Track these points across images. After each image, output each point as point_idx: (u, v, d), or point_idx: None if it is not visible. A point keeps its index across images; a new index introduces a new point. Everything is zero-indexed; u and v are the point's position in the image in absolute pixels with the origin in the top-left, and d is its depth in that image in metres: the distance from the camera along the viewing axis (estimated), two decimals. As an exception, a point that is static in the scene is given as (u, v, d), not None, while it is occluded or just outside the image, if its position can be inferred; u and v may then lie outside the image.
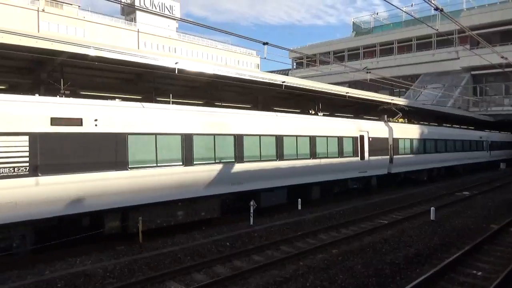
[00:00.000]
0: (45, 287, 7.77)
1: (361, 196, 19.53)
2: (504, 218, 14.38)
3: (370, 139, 19.62)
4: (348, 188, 19.19)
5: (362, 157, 19.20)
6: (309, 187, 16.64)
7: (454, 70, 47.11)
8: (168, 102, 15.57)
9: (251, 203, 13.44)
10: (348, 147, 18.34)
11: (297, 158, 15.66)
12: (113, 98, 12.64)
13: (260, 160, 14.18)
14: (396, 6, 10.98)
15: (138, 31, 66.43)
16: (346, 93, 21.19)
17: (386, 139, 21.15)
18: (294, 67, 64.56)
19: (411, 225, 13.36)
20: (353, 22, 65.23)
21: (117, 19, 67.35)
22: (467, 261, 9.56)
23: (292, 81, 18.64)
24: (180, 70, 13.91)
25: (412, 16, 24.89)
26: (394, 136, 21.74)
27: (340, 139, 17.92)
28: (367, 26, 63.03)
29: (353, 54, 58.84)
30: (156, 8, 68.90)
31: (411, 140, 23.56)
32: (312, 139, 16.44)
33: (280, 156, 14.92)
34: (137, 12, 67.26)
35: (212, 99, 18.91)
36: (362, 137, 19.26)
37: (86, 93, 14.85)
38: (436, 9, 10.03)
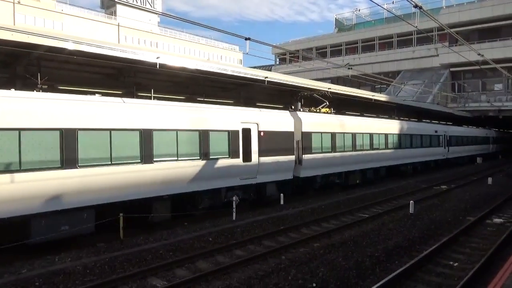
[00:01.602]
0: (22, 285, 7.61)
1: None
2: (480, 210, 14.85)
3: (262, 133, 15.03)
4: (224, 202, 14.10)
5: (247, 158, 14.50)
6: (145, 204, 11.57)
7: (434, 66, 48.09)
8: (149, 98, 15.42)
9: (234, 198, 13.46)
10: (219, 145, 13.54)
11: (111, 163, 10.54)
12: (93, 93, 12.40)
13: (20, 170, 8.97)
14: (376, 3, 11.06)
15: (118, 25, 65.24)
16: (328, 89, 21.36)
17: (291, 133, 16.51)
18: (277, 62, 64.69)
19: (391, 219, 13.63)
20: (336, 19, 65.75)
21: (96, 12, 66.00)
22: (444, 253, 9.83)
23: (274, 76, 18.69)
24: (161, 65, 13.77)
25: (392, 13, 24.98)
26: (305, 130, 17.14)
27: (203, 134, 12.97)
28: (349, 23, 63.58)
29: (336, 50, 59.36)
30: (137, 2, 67.77)
31: (333, 134, 18.91)
32: (146, 135, 11.35)
33: (70, 162, 9.74)
34: (117, 6, 65.98)
35: (195, 94, 18.79)
36: (247, 131, 14.57)
37: (64, 88, 14.53)
38: (416, 6, 10.20)
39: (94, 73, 15.10)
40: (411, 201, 14.83)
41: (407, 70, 51.21)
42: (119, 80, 15.47)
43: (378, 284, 7.25)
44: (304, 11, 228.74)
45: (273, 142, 15.49)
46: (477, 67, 30.78)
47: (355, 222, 13.08)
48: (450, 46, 39.36)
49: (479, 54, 18.17)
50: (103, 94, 12.21)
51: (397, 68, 52.28)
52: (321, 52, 60.32)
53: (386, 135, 23.52)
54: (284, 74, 29.07)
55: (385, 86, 48.26)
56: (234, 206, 13.34)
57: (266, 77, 17.62)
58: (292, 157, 16.61)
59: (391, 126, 24.72)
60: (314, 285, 7.69)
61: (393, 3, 51.05)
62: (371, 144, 22.02)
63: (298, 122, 17.08)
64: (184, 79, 16.71)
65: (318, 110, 19.65)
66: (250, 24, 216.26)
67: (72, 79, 14.82)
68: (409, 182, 23.44)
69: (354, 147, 20.50)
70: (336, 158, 19.16)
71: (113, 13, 66.87)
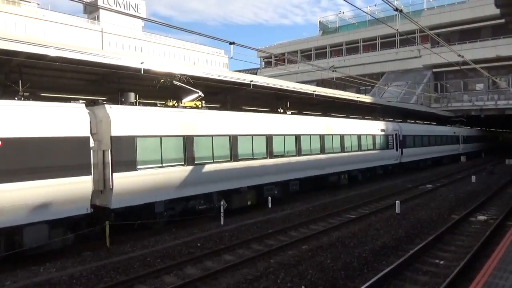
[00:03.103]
0: (6, 298, 7.45)
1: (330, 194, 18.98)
2: (465, 208, 15.12)
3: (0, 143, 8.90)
4: None
5: None
6: None
7: (417, 68, 48.92)
8: (134, 104, 15.27)
9: (222, 203, 13.42)
10: None
11: None
12: (77, 100, 12.25)
13: None
14: (357, 7, 11.25)
15: (102, 31, 64.64)
16: (314, 91, 21.52)
17: (82, 140, 10.36)
18: (263, 66, 64.96)
19: (378, 219, 13.77)
20: (320, 22, 66.39)
21: (79, 18, 65.31)
22: (430, 251, 9.98)
23: (260, 80, 18.73)
24: (146, 70, 13.67)
25: (373, 16, 25.11)
26: (118, 133, 11.15)
27: None
28: (334, 26, 64.32)
29: (321, 53, 59.91)
30: (120, 7, 67.35)
31: (188, 138, 13.01)
32: None
33: None
34: (100, 11, 65.41)
35: (181, 99, 18.68)
36: None
37: (47, 95, 14.31)
38: (396, 10, 10.38)
39: (77, 80, 14.88)
40: (397, 201, 15.01)
41: (391, 72, 52.00)
42: (103, 86, 15.30)
43: (366, 285, 7.31)
44: (288, 14, 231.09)
45: (33, 156, 9.40)
46: (459, 67, 31.41)
47: (343, 223, 13.17)
48: (432, 48, 40.12)
49: (459, 55, 18.54)
50: (86, 101, 12.07)
51: (381, 69, 53.04)
52: (306, 55, 60.82)
53: (297, 136, 17.80)
54: (270, 77, 29.21)
55: (369, 87, 48.87)
56: (222, 210, 13.30)
57: (252, 81, 17.65)
58: (87, 179, 10.30)
59: (308, 125, 18.74)
60: (303, 287, 7.71)
61: (375, 5, 51.93)
62: (269, 150, 16.27)
63: (104, 121, 11.14)
64: (170, 84, 16.60)
65: (175, 104, 14.46)
66: (235, 27, 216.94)
67: (55, 86, 14.60)
68: (396, 183, 23.72)
69: (234, 156, 14.63)
70: (197, 174, 13.25)
71: (96, 18, 66.29)
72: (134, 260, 9.51)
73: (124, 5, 69.48)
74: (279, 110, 21.08)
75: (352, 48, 56.67)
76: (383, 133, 25.49)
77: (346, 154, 21.24)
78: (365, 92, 47.37)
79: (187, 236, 11.73)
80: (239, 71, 44.00)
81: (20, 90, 11.16)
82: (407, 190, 20.79)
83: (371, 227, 12.51)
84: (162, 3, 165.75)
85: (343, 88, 41.54)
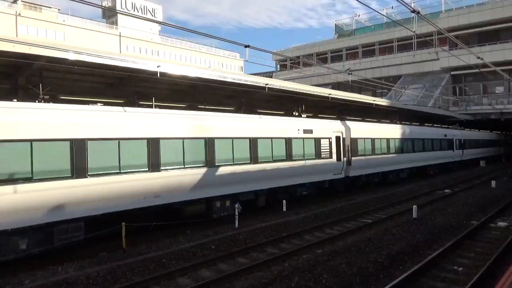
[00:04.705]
0: (25, 296, 7.60)
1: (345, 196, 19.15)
2: (484, 214, 14.76)
3: None
4: None
5: None
6: None
7: (434, 70, 48.10)
8: (151, 106, 15.48)
9: (236, 205, 13.43)
10: None
11: None
12: (95, 102, 12.47)
13: None
14: (374, 9, 11.04)
15: (120, 35, 65.73)
16: (329, 94, 21.39)
17: None
18: (278, 69, 64.94)
19: (394, 224, 13.55)
20: (335, 25, 66.00)
21: (98, 22, 66.61)
22: (449, 257, 9.75)
23: (275, 83, 18.71)
24: (162, 74, 13.84)
25: (389, 18, 24.66)
26: None
27: None
28: (349, 28, 63.85)
29: (336, 56, 59.51)
30: (138, 11, 68.40)
31: None
32: None
33: None
34: (119, 16, 66.56)
35: (196, 102, 18.84)
36: None
37: (66, 98, 14.61)
38: (413, 11, 10.25)
39: (95, 83, 15.17)
40: (414, 206, 14.75)
41: (407, 75, 51.26)
42: (120, 89, 15.55)
43: (382, 290, 7.20)
44: (302, 18, 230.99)
45: None
46: (478, 70, 30.73)
47: (358, 227, 13.01)
48: (450, 50, 39.42)
49: (478, 58, 18.16)
50: (104, 104, 12.27)
51: (397, 72, 52.34)
52: (322, 58, 60.48)
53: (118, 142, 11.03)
54: (285, 80, 29.18)
55: (386, 91, 48.29)
56: (236, 213, 13.31)
57: (267, 84, 17.65)
58: None
59: (140, 124, 11.62)
60: (318, 292, 7.63)
61: (392, 8, 51.34)
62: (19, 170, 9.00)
63: None
64: (185, 87, 16.76)
65: None
66: (250, 31, 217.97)
67: (74, 89, 14.90)
68: (412, 187, 23.34)
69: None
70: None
71: (115, 23, 67.47)
72: (149, 261, 9.59)
73: (141, 9, 70.52)
74: (294, 113, 21.00)
75: (368, 51, 56.12)
76: (308, 135, 17.70)
77: (221, 169, 13.70)
78: (381, 95, 46.80)
79: (201, 238, 11.77)
80: (255, 74, 44.10)
81: (40, 93, 11.43)
82: (424, 195, 20.42)
83: (387, 232, 12.32)
84: (178, 7, 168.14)
85: (359, 91, 41.13)
